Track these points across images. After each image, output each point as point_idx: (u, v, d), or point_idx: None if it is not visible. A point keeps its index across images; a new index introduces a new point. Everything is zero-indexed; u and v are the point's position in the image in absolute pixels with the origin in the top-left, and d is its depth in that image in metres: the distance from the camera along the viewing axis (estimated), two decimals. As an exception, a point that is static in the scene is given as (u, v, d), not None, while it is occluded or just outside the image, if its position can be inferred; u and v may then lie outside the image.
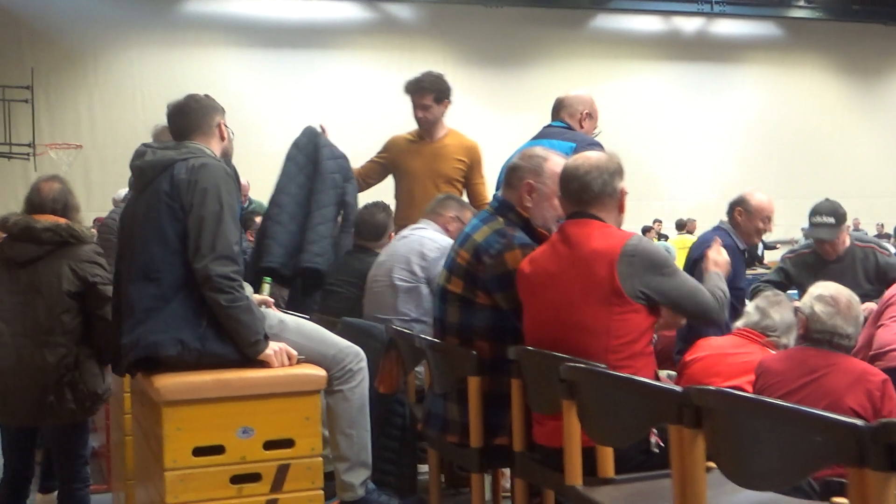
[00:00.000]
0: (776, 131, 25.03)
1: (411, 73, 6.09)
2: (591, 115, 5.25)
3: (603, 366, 2.98)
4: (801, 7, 24.95)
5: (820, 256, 5.72)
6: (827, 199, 5.81)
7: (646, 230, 20.55)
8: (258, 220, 7.64)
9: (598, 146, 4.77)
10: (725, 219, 5.71)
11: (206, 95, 3.88)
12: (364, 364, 3.88)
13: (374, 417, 4.22)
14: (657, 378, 3.39)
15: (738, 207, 5.63)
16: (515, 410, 3.48)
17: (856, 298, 4.05)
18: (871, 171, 25.38)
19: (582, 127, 5.18)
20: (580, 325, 3.29)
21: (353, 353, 3.85)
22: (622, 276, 3.22)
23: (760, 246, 19.66)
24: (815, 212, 5.70)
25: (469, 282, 3.73)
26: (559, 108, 5.23)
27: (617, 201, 3.49)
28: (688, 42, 24.75)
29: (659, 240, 20.48)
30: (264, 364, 3.49)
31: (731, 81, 24.91)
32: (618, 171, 3.48)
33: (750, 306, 4.58)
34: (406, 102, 5.98)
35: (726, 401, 2.32)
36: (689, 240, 15.70)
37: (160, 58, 20.00)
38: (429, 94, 5.93)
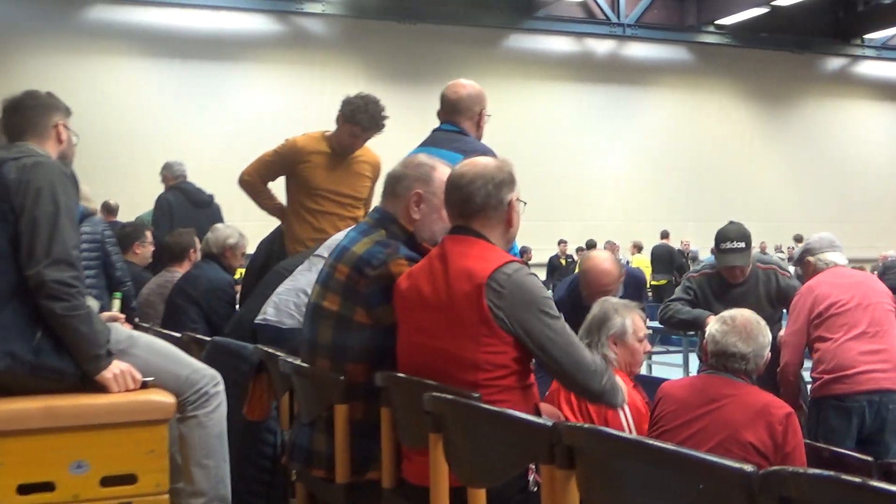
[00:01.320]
0: (686, 154, 25.22)
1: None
2: (486, 113, 4.76)
3: (477, 395, 2.66)
4: (711, 33, 25.23)
5: (723, 278, 5.53)
6: (732, 223, 5.63)
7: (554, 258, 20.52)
8: (148, 233, 7.25)
9: (492, 155, 4.43)
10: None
11: (49, 93, 3.50)
12: (221, 388, 3.52)
13: (240, 447, 3.86)
14: (538, 413, 3.06)
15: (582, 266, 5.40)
16: (385, 442, 3.13)
17: (760, 323, 3.81)
18: (777, 195, 25.71)
19: (479, 128, 4.71)
20: (448, 356, 2.94)
21: (210, 376, 3.49)
22: (491, 305, 2.85)
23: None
24: (724, 237, 5.49)
25: (348, 298, 3.34)
26: (453, 109, 4.65)
27: (504, 215, 3.10)
28: (600, 64, 24.82)
29: (566, 261, 20.40)
30: (105, 388, 3.11)
31: (642, 104, 25.05)
32: (507, 182, 3.09)
33: None
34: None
35: (600, 440, 2.02)
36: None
37: (63, 66, 19.29)
38: (363, 128, 5.48)
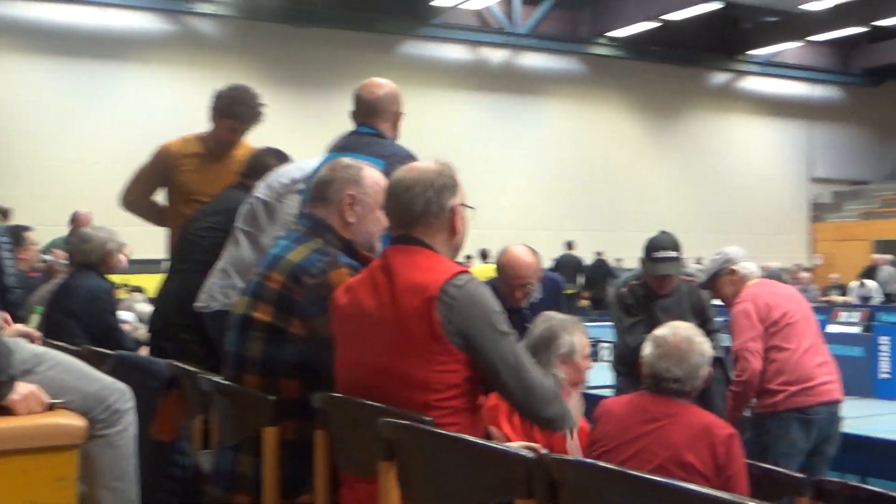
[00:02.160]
0: (578, 164, 25.42)
1: (216, 91, 5.33)
2: (402, 112, 4.48)
3: (429, 419, 2.43)
4: (603, 45, 25.51)
5: (650, 290, 5.41)
6: (663, 232, 5.53)
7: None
8: (29, 235, 6.82)
9: (413, 160, 4.18)
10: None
11: None
12: (132, 404, 3.22)
13: (148, 469, 3.55)
14: (488, 437, 2.85)
15: (496, 264, 5.08)
16: (319, 467, 2.88)
17: (694, 340, 3.65)
18: (666, 206, 26.11)
19: (396, 129, 4.41)
20: (396, 375, 2.70)
21: (120, 391, 3.19)
22: (443, 318, 2.65)
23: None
24: (656, 246, 5.38)
25: (282, 308, 3.09)
26: (369, 110, 4.34)
27: (447, 223, 2.89)
28: (495, 73, 24.84)
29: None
30: (7, 412, 2.78)
31: (536, 114, 25.16)
32: (448, 186, 2.89)
33: None
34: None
35: (590, 474, 1.82)
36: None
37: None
38: (243, 120, 5.13)
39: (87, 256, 5.58)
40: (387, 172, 4.11)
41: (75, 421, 2.87)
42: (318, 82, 22.00)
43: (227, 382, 3.18)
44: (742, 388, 4.84)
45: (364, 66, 22.77)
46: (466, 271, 2.79)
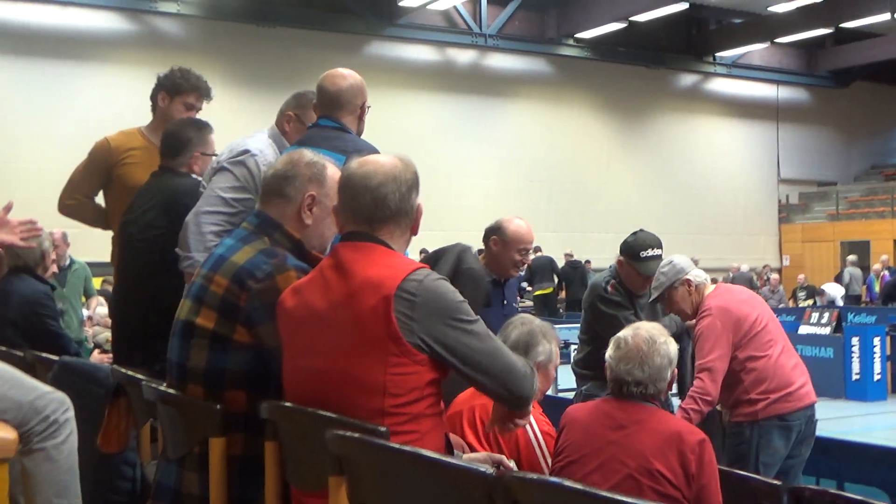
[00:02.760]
0: (546, 165, 25.34)
1: (158, 76, 5.10)
2: (367, 104, 4.29)
3: (384, 429, 2.26)
4: (570, 46, 25.45)
5: (627, 289, 5.25)
6: (643, 231, 5.36)
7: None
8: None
9: (375, 153, 4.01)
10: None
11: None
12: (71, 414, 3.04)
13: (94, 482, 3.36)
14: (449, 445, 2.67)
15: (494, 236, 4.95)
16: (270, 482, 2.69)
17: (656, 340, 3.49)
18: (632, 207, 26.07)
19: (360, 122, 4.21)
20: (349, 379, 2.52)
21: (58, 400, 3.01)
22: (400, 318, 2.49)
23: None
24: (644, 245, 5.19)
25: (227, 314, 2.88)
26: (332, 102, 4.14)
27: (412, 222, 2.76)
28: (462, 74, 24.71)
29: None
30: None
31: (504, 115, 25.05)
32: (415, 184, 2.75)
33: None
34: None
35: (553, 493, 1.66)
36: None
37: None
38: (202, 93, 4.93)
39: (21, 259, 5.24)
40: None
41: (4, 433, 2.67)
42: (283, 82, 21.59)
43: (170, 391, 2.98)
44: (698, 407, 4.63)
45: (330, 66, 21.84)
46: (425, 267, 2.62)
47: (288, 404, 2.60)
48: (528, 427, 3.53)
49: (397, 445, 2.12)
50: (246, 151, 4.15)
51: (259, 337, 2.85)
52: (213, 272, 2.96)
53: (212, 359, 2.90)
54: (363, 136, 4.33)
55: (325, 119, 4.17)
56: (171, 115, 4.84)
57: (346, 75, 4.23)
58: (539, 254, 20.76)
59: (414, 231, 2.77)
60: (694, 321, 4.87)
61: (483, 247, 5.07)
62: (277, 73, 21.62)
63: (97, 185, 4.95)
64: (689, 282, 4.88)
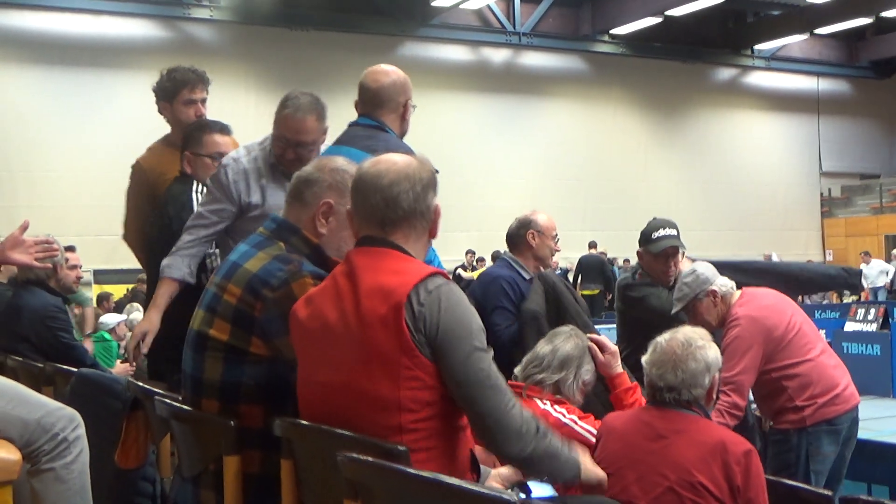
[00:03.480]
0: (582, 163, 25.11)
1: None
2: (412, 104, 4.15)
3: (402, 449, 2.10)
4: (605, 42, 25.18)
5: (653, 283, 5.06)
6: (655, 218, 5.20)
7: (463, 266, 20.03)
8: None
9: (411, 153, 3.86)
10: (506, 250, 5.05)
11: None
12: (82, 431, 2.91)
13: (112, 499, 3.23)
14: (474, 461, 2.50)
15: (531, 231, 4.90)
16: (287, 502, 2.55)
17: (691, 344, 3.30)
18: (671, 203, 25.72)
19: (404, 121, 4.09)
20: (363, 395, 2.37)
21: (67, 417, 2.88)
22: (412, 327, 2.33)
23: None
24: (654, 227, 5.02)
25: (241, 325, 2.74)
26: (373, 100, 4.03)
27: (430, 223, 2.58)
28: (496, 73, 24.54)
29: (471, 270, 19.95)
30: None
31: (539, 113, 24.84)
32: (431, 183, 2.58)
33: None
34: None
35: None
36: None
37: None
38: (207, 86, 4.80)
39: (33, 272, 5.10)
40: None
41: (9, 454, 2.55)
42: (317, 86, 21.38)
43: (183, 407, 2.84)
44: (725, 420, 4.36)
45: (362, 68, 22.00)
46: (440, 273, 2.44)
47: (302, 422, 2.44)
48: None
49: (414, 471, 1.95)
50: (224, 162, 4.08)
51: (276, 349, 2.71)
52: (226, 280, 2.82)
53: (227, 372, 2.76)
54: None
55: (364, 117, 4.05)
56: (179, 119, 4.75)
57: (389, 72, 4.11)
58: (591, 251, 20.35)
59: (432, 234, 2.60)
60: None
61: (507, 248, 5.03)
62: (310, 76, 21.56)
63: (149, 208, 4.78)
64: (714, 293, 4.65)
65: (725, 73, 27.91)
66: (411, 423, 2.32)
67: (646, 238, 5.03)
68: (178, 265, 3.96)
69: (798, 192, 28.90)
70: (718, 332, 4.47)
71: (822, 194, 29.60)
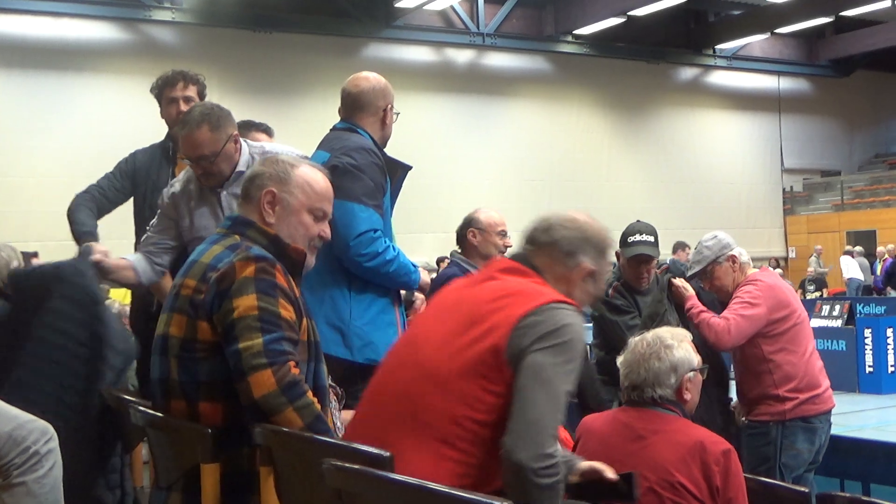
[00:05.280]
0: (547, 164, 25.16)
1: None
2: (394, 110, 4.27)
3: (387, 454, 2.07)
4: (568, 42, 25.23)
5: (630, 288, 5.07)
6: (639, 221, 5.20)
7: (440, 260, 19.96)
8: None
9: (367, 152, 3.94)
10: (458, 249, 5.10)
11: None
12: (55, 444, 2.87)
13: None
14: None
15: (471, 229, 4.99)
16: (266, 510, 2.52)
17: (668, 340, 3.32)
18: (636, 204, 25.82)
19: (385, 126, 4.20)
20: (439, 372, 2.48)
21: (39, 430, 2.84)
22: (512, 342, 2.44)
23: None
24: (631, 231, 5.05)
25: (191, 314, 2.79)
26: (353, 105, 4.16)
27: (577, 276, 2.72)
28: (460, 74, 24.52)
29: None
30: None
31: (504, 115, 24.84)
32: (604, 251, 2.80)
33: None
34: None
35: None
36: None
37: None
38: (192, 84, 4.82)
39: None
40: (330, 164, 3.83)
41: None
42: (281, 88, 21.60)
43: (158, 414, 2.81)
44: (710, 322, 4.50)
45: (328, 70, 22.46)
46: (571, 303, 2.55)
47: (283, 429, 2.41)
48: None
49: (401, 478, 1.93)
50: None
51: (216, 327, 2.75)
52: (183, 277, 2.88)
53: (183, 371, 2.78)
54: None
55: (343, 121, 4.19)
56: (168, 118, 4.79)
57: (370, 77, 4.30)
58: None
59: (572, 288, 2.72)
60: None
61: (458, 248, 5.12)
62: (276, 78, 21.48)
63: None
64: (734, 257, 4.73)
65: (688, 73, 28.05)
66: (467, 419, 2.40)
67: (623, 241, 5.05)
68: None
69: (761, 191, 29.13)
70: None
71: (784, 189, 29.84)
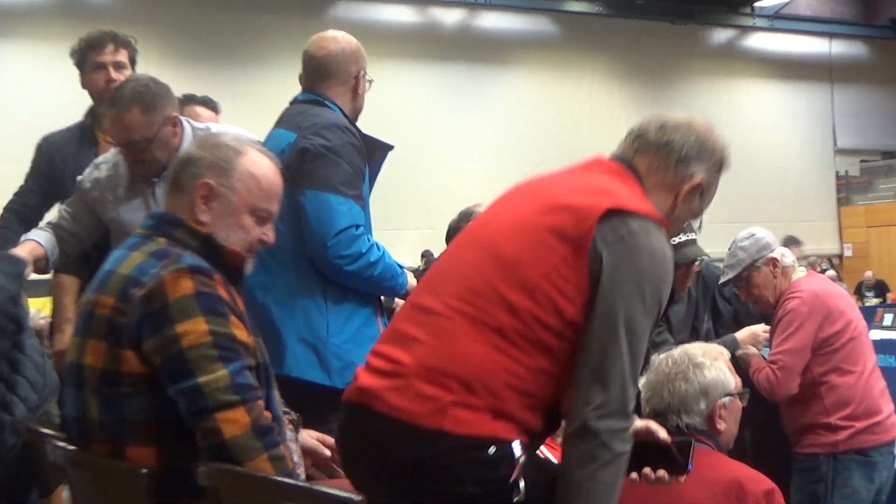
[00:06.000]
0: (554, 144, 25.12)
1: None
2: (367, 76, 4.25)
3: (357, 498, 2.05)
4: (578, 0, 25.25)
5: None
6: None
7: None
8: None
9: (342, 130, 3.90)
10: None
11: None
12: None
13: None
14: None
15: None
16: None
17: (698, 358, 3.34)
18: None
19: (357, 96, 4.19)
20: (506, 258, 2.61)
21: None
22: (599, 239, 2.55)
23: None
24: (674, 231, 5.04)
25: (113, 340, 2.73)
26: (318, 70, 4.14)
27: (686, 188, 2.88)
28: (449, 38, 24.54)
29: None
30: None
31: (500, 84, 24.86)
32: (716, 162, 2.97)
33: None
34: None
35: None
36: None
37: None
38: (122, 47, 4.84)
39: None
40: (299, 146, 3.80)
41: None
42: (236, 55, 21.60)
43: (82, 451, 2.78)
44: (765, 379, 4.50)
45: (289, 34, 22.35)
46: (664, 225, 2.70)
47: (234, 468, 2.39)
48: None
49: None
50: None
51: (148, 358, 2.68)
52: (97, 293, 2.81)
53: (105, 410, 2.73)
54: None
55: (306, 91, 4.17)
56: (95, 87, 4.78)
57: (338, 38, 4.27)
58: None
59: (675, 202, 2.85)
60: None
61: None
62: (229, 43, 21.47)
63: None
64: (775, 261, 4.72)
65: (721, 35, 28.14)
66: (528, 312, 2.50)
67: None
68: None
69: (810, 176, 29.18)
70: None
71: (837, 175, 29.88)
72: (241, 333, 2.73)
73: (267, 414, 2.66)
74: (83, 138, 4.83)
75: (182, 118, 4.21)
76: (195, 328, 2.65)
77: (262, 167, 2.94)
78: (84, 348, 2.78)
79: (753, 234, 4.81)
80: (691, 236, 4.96)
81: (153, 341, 2.65)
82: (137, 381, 2.69)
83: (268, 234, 2.99)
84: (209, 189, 2.86)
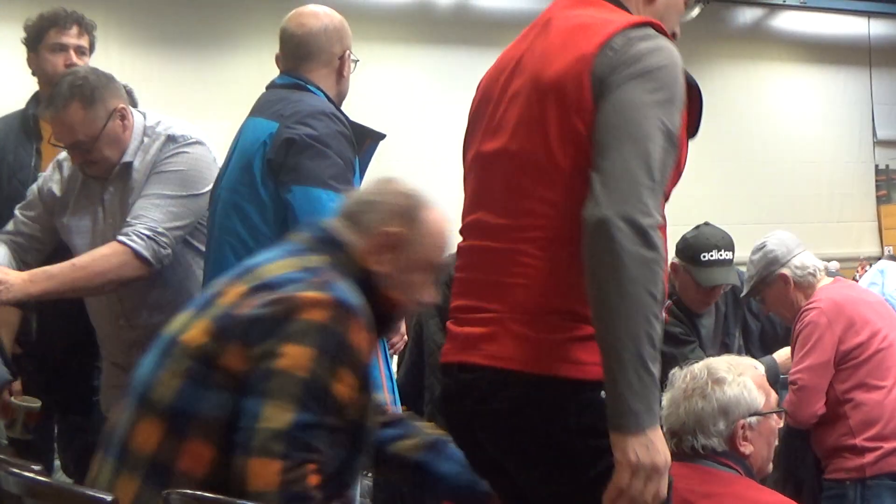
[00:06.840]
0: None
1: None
2: (352, 56, 4.25)
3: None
4: (586, -25, 25.29)
5: (685, 308, 5.09)
6: (709, 224, 5.19)
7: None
8: None
9: (329, 118, 3.88)
10: None
11: None
12: None
13: None
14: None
15: None
16: None
17: (719, 373, 3.36)
18: (681, 189, 25.60)
19: (342, 78, 4.18)
20: (521, 161, 2.72)
21: None
22: (595, 83, 2.60)
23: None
24: (706, 245, 5.03)
25: (223, 329, 2.74)
26: (298, 51, 4.09)
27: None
28: (441, 20, 24.56)
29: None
30: None
31: (500, 71, 24.90)
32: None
33: None
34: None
35: None
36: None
37: None
38: (86, 33, 4.89)
39: None
40: (283, 137, 3.79)
41: None
42: (201, 41, 21.54)
43: (43, 479, 2.78)
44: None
45: (262, 17, 22.28)
46: (659, 26, 2.82)
47: (206, 494, 2.40)
48: None
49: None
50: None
51: (249, 360, 2.68)
52: (231, 281, 2.88)
53: (183, 392, 2.71)
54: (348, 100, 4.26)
55: (284, 75, 4.12)
56: (44, 70, 4.77)
57: (320, 14, 4.21)
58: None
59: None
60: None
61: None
62: (193, 29, 21.40)
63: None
64: (784, 277, 4.73)
65: (748, 15, 28.20)
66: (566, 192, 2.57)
67: (691, 255, 5.01)
68: None
69: (846, 170, 29.18)
70: None
71: (877, 169, 29.92)
72: (343, 389, 2.69)
73: (313, 480, 2.58)
74: (22, 129, 4.77)
75: (132, 109, 4.20)
76: (299, 357, 2.64)
77: (440, 226, 3.06)
78: (190, 325, 2.79)
79: (765, 246, 4.81)
80: (724, 255, 4.97)
81: (258, 348, 2.65)
82: (228, 381, 2.67)
83: (432, 294, 3.09)
84: (395, 238, 2.94)
